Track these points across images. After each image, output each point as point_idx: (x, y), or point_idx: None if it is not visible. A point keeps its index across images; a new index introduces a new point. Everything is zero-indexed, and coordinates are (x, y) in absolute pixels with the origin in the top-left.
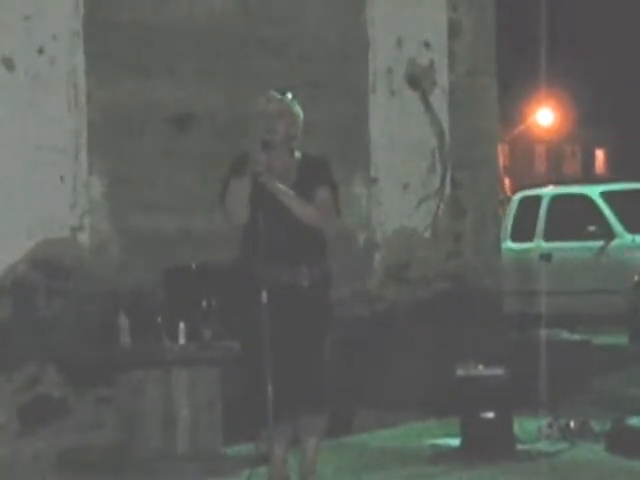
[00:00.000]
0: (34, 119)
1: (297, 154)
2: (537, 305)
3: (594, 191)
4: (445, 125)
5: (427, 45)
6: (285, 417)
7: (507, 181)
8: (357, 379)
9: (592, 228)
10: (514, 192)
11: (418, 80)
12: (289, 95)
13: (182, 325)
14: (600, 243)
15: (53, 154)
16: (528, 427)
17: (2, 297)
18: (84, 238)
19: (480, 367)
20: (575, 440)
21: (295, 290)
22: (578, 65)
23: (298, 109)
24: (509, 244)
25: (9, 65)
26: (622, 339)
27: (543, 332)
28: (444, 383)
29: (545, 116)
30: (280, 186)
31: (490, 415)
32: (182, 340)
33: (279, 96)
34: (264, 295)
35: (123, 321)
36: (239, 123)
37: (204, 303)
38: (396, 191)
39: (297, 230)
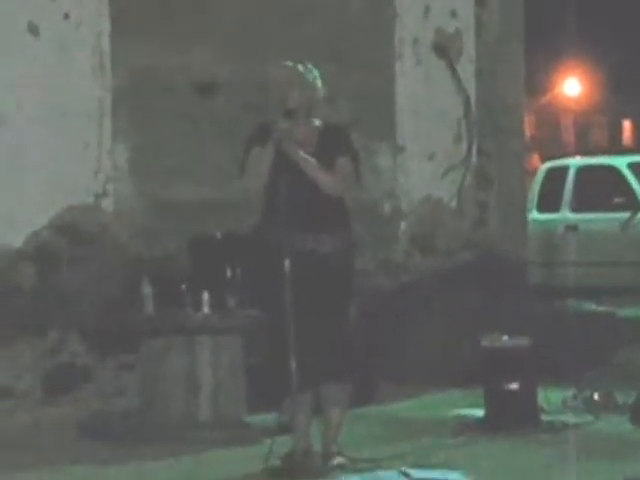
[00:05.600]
0: (59, 85)
1: (318, 123)
2: (563, 276)
3: (621, 162)
4: (471, 94)
5: (454, 13)
6: (308, 386)
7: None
8: (381, 349)
9: (619, 199)
10: (541, 162)
11: (444, 49)
12: (304, 64)
13: (206, 293)
14: (627, 214)
15: (77, 120)
16: (552, 398)
17: (26, 264)
18: (108, 205)
19: (505, 338)
20: (599, 412)
21: (318, 258)
22: (606, 34)
23: (313, 78)
24: (535, 215)
25: (34, 31)
26: None
27: (568, 303)
28: (468, 354)
29: (572, 86)
30: (301, 154)
31: (514, 386)
32: (206, 308)
33: (290, 65)
34: (287, 263)
35: (147, 289)
36: (263, 91)
37: (228, 272)
38: (422, 160)
39: (319, 198)
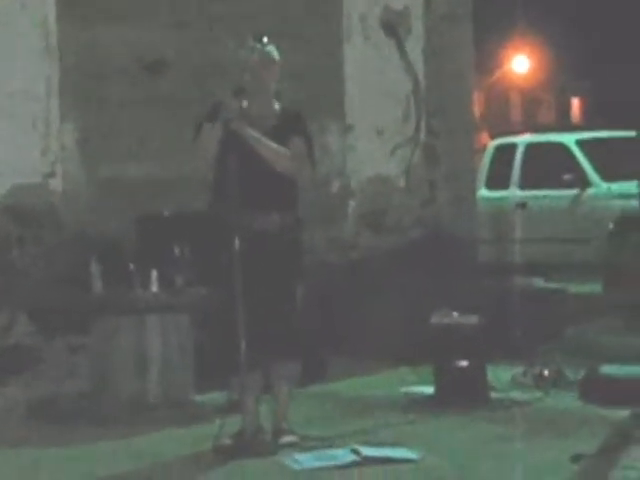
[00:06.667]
0: (5, 66)
1: (276, 105)
2: (512, 253)
3: (570, 139)
4: (420, 72)
5: None
6: (257, 364)
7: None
8: (330, 327)
9: (567, 176)
10: (490, 140)
11: (393, 26)
12: (265, 42)
13: (154, 272)
14: (575, 191)
15: (25, 100)
16: (502, 376)
17: None
18: (56, 185)
19: (454, 315)
20: (549, 389)
21: (266, 237)
22: (555, 11)
23: (275, 56)
24: (484, 192)
25: None
26: (596, 288)
27: (518, 280)
28: (418, 331)
29: (521, 63)
30: (252, 132)
31: (464, 363)
32: (154, 287)
33: (259, 45)
34: (236, 242)
35: (95, 268)
36: (211, 69)
37: (176, 250)
38: (371, 138)
39: (268, 177)
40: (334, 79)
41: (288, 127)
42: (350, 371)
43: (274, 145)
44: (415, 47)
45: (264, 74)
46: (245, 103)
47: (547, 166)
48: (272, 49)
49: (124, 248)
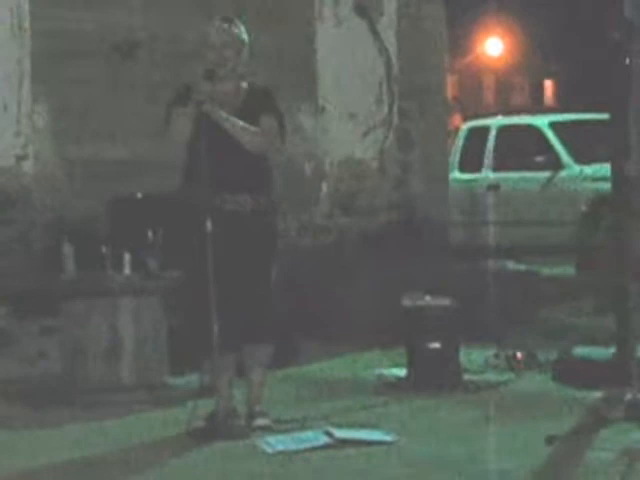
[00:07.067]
0: None
1: (243, 84)
2: (485, 236)
3: (542, 121)
4: (392, 54)
5: None
6: (230, 347)
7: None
8: (303, 310)
9: (540, 159)
10: (462, 122)
11: (365, 8)
12: (235, 23)
13: (127, 255)
14: (548, 174)
15: None
16: (475, 358)
17: None
18: (28, 167)
19: (427, 297)
20: (521, 371)
21: (239, 218)
22: None
23: (244, 37)
24: (457, 174)
25: None
26: (569, 270)
27: (490, 263)
28: (391, 314)
29: (494, 46)
30: (223, 114)
31: (436, 345)
32: (127, 270)
33: (227, 26)
34: (208, 223)
35: (68, 250)
36: (183, 51)
37: (149, 233)
38: (343, 121)
39: (241, 158)
40: (306, 61)
41: (257, 105)
42: (323, 353)
43: (244, 124)
44: (387, 29)
45: (228, 53)
46: (215, 85)
47: (520, 148)
48: (237, 28)
49: (96, 230)
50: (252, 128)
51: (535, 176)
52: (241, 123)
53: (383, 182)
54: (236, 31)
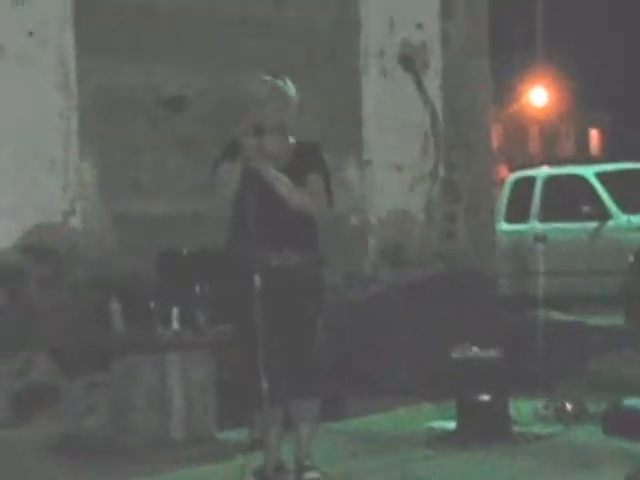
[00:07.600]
0: (25, 104)
1: (291, 140)
2: (532, 286)
3: (589, 171)
4: (438, 106)
5: (419, 26)
6: (277, 401)
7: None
8: (351, 363)
9: (587, 209)
10: (508, 173)
11: (411, 61)
12: (282, 78)
13: (175, 310)
14: (595, 224)
15: (44, 138)
16: (524, 409)
17: None
18: (76, 222)
19: (475, 349)
20: (571, 422)
21: (286, 273)
22: (573, 43)
23: (292, 92)
24: (503, 225)
25: (0, 50)
26: (617, 320)
27: (538, 313)
28: (439, 366)
29: (539, 95)
30: (272, 171)
31: (486, 397)
32: (175, 325)
33: (271, 79)
34: (256, 279)
35: (115, 306)
36: (229, 107)
37: (197, 287)
38: (389, 173)
39: (287, 214)
40: (352, 114)
41: (304, 162)
42: (371, 407)
43: (291, 185)
44: (433, 81)
45: (276, 109)
46: (262, 141)
47: (566, 199)
48: (285, 83)
49: (144, 286)
50: (298, 190)
51: (582, 226)
52: (287, 181)
53: (430, 234)
54: (281, 85)
